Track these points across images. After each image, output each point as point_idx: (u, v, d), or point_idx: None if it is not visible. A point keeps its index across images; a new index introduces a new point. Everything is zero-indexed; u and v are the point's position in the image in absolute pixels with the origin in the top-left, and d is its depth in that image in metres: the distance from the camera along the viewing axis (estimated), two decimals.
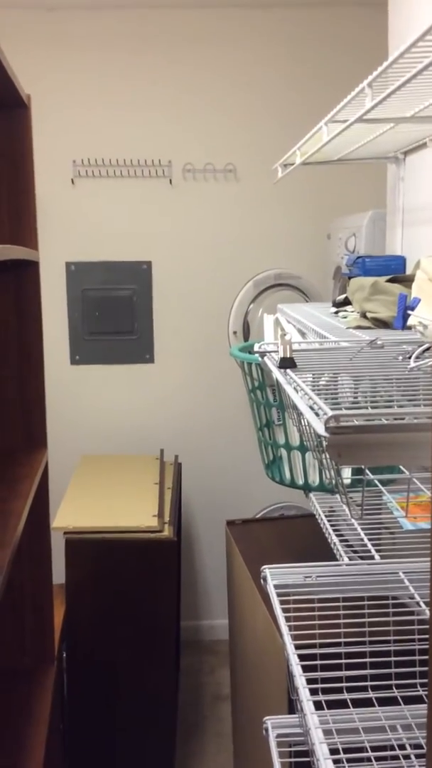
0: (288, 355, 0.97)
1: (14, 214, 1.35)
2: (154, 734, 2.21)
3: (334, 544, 1.38)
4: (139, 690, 2.18)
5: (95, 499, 2.30)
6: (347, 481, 1.46)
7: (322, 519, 1.53)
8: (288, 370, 0.99)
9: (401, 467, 1.22)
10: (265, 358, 1.14)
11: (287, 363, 0.97)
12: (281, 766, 1.14)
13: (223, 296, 2.89)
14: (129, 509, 2.21)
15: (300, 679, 1.09)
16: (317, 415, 0.77)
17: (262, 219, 2.87)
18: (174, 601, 2.18)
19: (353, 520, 1.41)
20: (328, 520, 1.55)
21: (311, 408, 0.79)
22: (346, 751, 1.06)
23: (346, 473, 1.48)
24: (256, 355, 1.28)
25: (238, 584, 2.00)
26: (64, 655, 2.17)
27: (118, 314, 2.87)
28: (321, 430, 0.71)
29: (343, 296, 1.81)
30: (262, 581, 1.22)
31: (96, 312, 2.85)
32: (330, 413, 0.71)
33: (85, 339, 2.88)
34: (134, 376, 2.93)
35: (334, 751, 0.99)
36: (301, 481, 1.67)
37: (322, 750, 0.90)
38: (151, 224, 2.86)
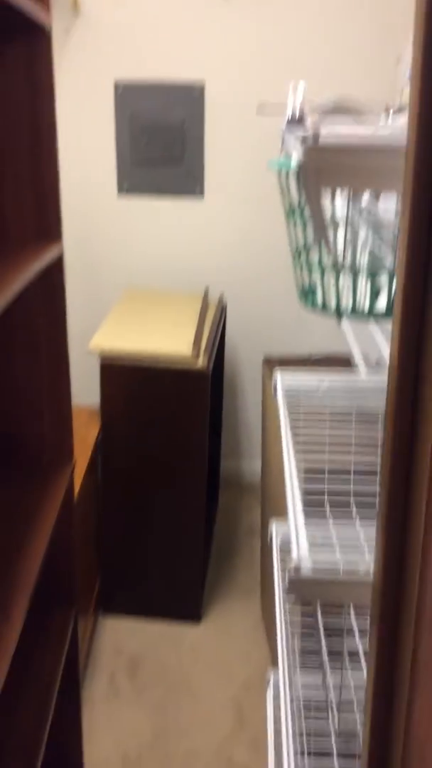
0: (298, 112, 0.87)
1: None
2: (186, 554, 2.30)
3: (354, 355, 1.32)
4: (171, 512, 2.25)
5: (133, 327, 2.29)
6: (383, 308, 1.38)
7: (350, 338, 1.46)
8: None
9: None
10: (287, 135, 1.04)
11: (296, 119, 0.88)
12: (279, 565, 1.15)
13: (279, 125, 2.70)
14: (166, 339, 2.19)
15: (291, 490, 1.07)
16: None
17: (326, 39, 2.62)
18: (205, 432, 2.19)
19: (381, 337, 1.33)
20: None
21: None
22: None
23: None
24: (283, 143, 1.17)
25: (271, 421, 1.98)
26: (100, 476, 2.24)
27: (167, 142, 2.73)
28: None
29: None
30: (273, 390, 1.19)
31: (144, 139, 2.72)
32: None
33: (133, 168, 2.77)
34: (183, 210, 2.82)
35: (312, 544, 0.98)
36: (334, 305, 1.59)
37: (300, 543, 0.87)
38: (204, 42, 2.65)
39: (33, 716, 1.35)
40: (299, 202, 1.58)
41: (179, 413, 2.15)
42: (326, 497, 1.19)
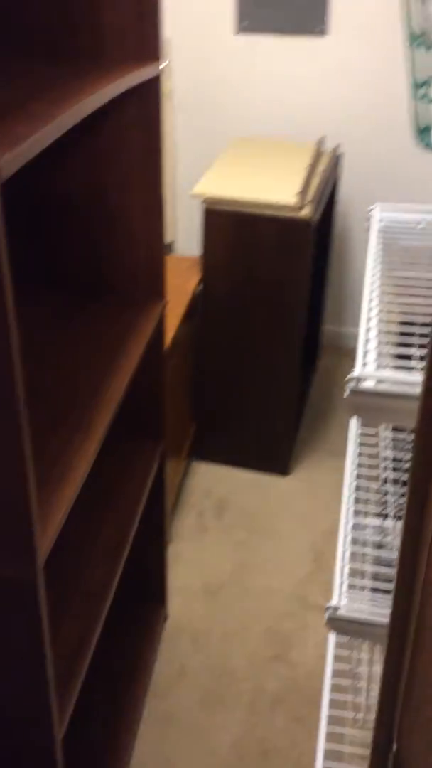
0: None
1: None
2: (279, 410, 2.32)
3: None
4: (267, 366, 2.25)
5: (239, 174, 2.21)
6: None
7: None
8: None
9: None
10: None
11: None
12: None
13: None
14: (272, 187, 2.10)
15: (364, 335, 1.01)
16: None
17: None
18: (306, 285, 2.14)
19: None
20: None
21: None
22: None
23: None
24: None
25: None
26: (198, 326, 2.25)
27: None
28: None
29: None
30: (366, 223, 1.11)
31: None
32: None
33: (253, 3, 2.57)
34: (303, 51, 2.63)
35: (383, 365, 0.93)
36: None
37: (368, 355, 0.82)
38: None
39: (115, 534, 1.44)
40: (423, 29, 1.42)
41: (281, 265, 2.09)
42: (416, 349, 1.14)
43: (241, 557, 2.11)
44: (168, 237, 2.79)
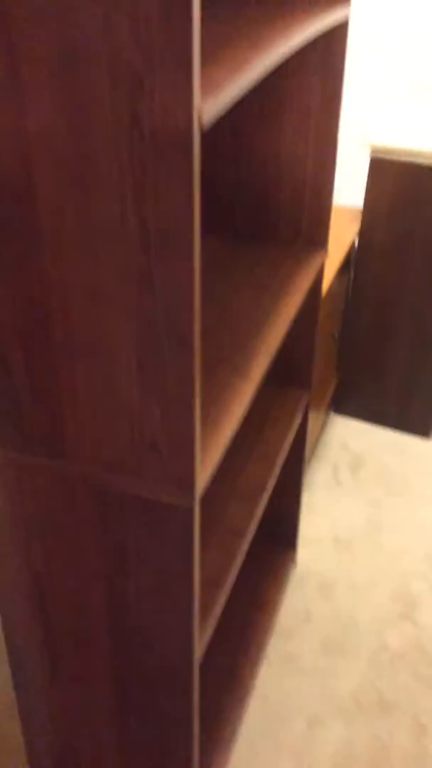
0: None
1: None
2: (427, 370, 2.26)
3: None
4: (419, 325, 2.20)
5: (413, 123, 2.12)
6: None
7: None
8: None
9: None
10: None
11: None
12: None
13: None
14: None
15: None
16: None
17: None
18: None
19: None
20: None
21: None
22: None
23: None
24: None
25: None
26: (352, 275, 2.22)
27: None
28: None
29: None
30: None
31: None
32: None
33: None
34: None
35: None
36: None
37: None
38: None
39: (257, 478, 1.48)
40: None
41: None
42: None
43: (374, 514, 2.11)
44: None
